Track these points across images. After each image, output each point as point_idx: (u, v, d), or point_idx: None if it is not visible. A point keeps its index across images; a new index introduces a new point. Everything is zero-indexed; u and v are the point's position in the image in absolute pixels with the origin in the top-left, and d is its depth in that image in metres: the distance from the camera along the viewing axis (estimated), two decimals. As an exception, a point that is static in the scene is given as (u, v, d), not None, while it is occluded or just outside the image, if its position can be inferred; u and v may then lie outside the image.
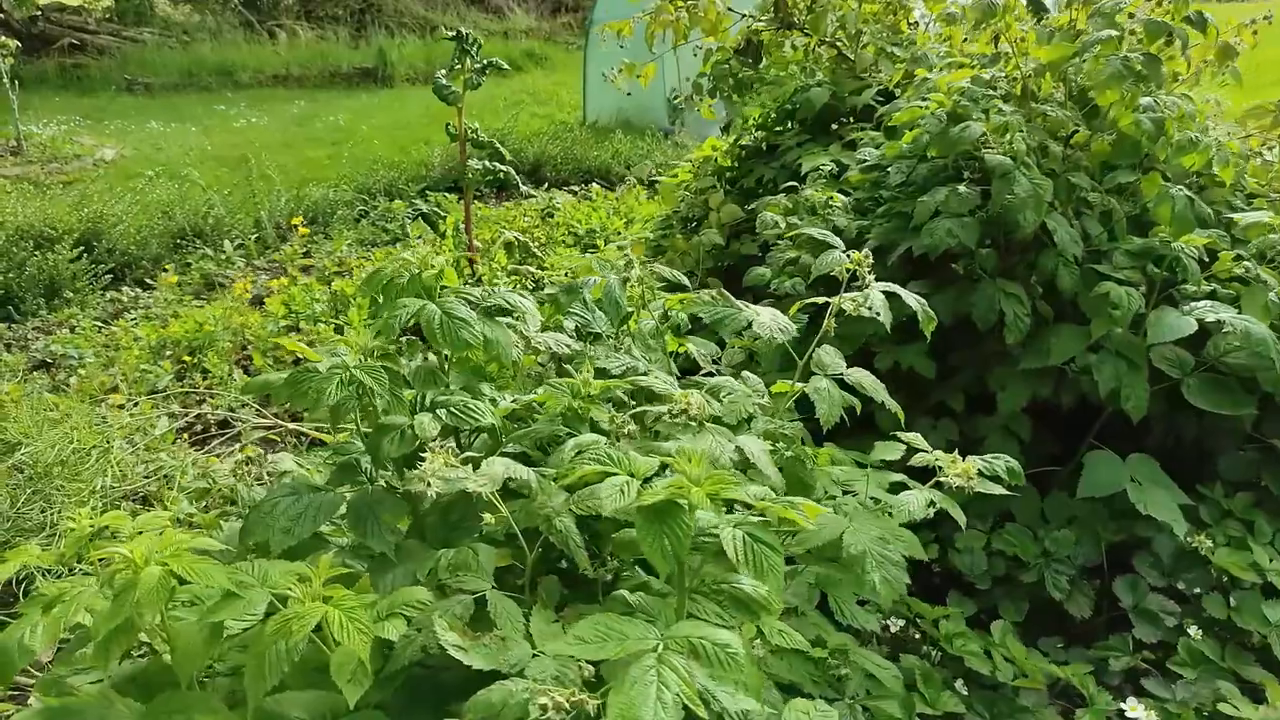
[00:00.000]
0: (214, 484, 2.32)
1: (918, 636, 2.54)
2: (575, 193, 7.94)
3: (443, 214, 4.64)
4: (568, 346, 2.21)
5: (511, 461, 1.52)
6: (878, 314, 1.77)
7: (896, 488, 1.78)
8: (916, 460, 1.68)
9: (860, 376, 1.82)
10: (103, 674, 1.75)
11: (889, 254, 2.72)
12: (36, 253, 5.66)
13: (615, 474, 1.25)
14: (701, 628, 1.18)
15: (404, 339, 2.28)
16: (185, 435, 3.70)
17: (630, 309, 2.20)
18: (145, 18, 18.00)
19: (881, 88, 3.69)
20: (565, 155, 8.87)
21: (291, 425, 3.66)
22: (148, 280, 5.96)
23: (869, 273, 1.83)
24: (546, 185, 8.21)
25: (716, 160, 4.44)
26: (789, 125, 4.27)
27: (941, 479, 1.60)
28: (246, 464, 2.34)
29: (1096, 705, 2.32)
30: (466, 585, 1.57)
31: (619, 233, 6.15)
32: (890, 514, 1.77)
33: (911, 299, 1.82)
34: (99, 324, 5.18)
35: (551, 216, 6.55)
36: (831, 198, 2.85)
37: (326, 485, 1.89)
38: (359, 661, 1.46)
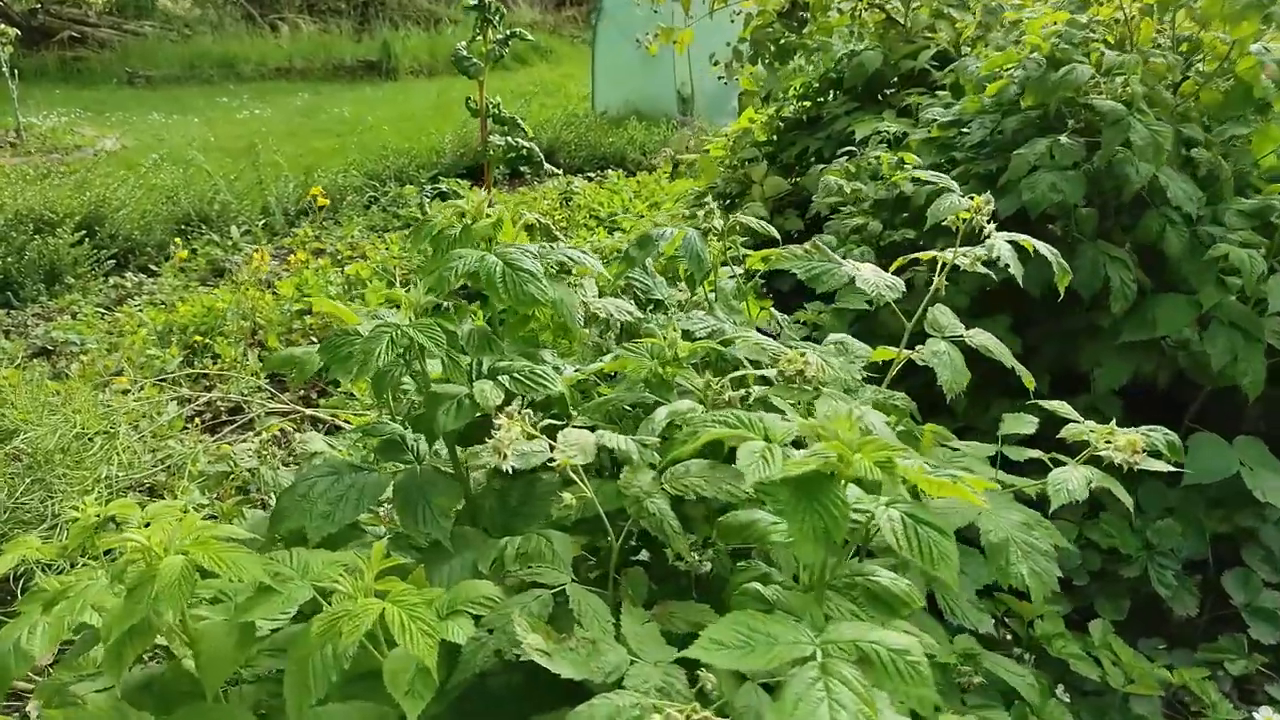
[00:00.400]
0: (235, 467, 2.09)
1: (1009, 637, 2.30)
2: (591, 179, 7.70)
3: (460, 195, 4.39)
4: (629, 314, 1.97)
5: (602, 430, 1.29)
6: (1006, 266, 1.54)
7: (1032, 466, 1.54)
8: (1066, 433, 1.45)
9: (984, 339, 1.59)
10: (113, 681, 1.51)
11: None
12: (36, 237, 5.42)
13: (751, 439, 1.02)
14: (870, 629, 0.95)
15: (448, 304, 2.05)
16: (195, 422, 3.46)
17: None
18: (146, 11, 17.78)
19: (939, 49, 3.45)
20: (580, 141, 8.65)
21: (309, 411, 3.43)
22: (152, 266, 5.72)
23: (988, 221, 1.60)
24: (562, 171, 7.98)
25: (754, 134, 4.20)
26: (832, 95, 4.03)
27: (1098, 454, 1.36)
28: (270, 444, 2.12)
29: (1218, 714, 2.08)
30: (542, 578, 1.34)
31: (641, 216, 5.90)
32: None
33: (1044, 248, 1.58)
34: (101, 310, 4.94)
35: (570, 200, 6.31)
36: (904, 158, 2.62)
37: (368, 465, 1.65)
38: (420, 668, 1.22)
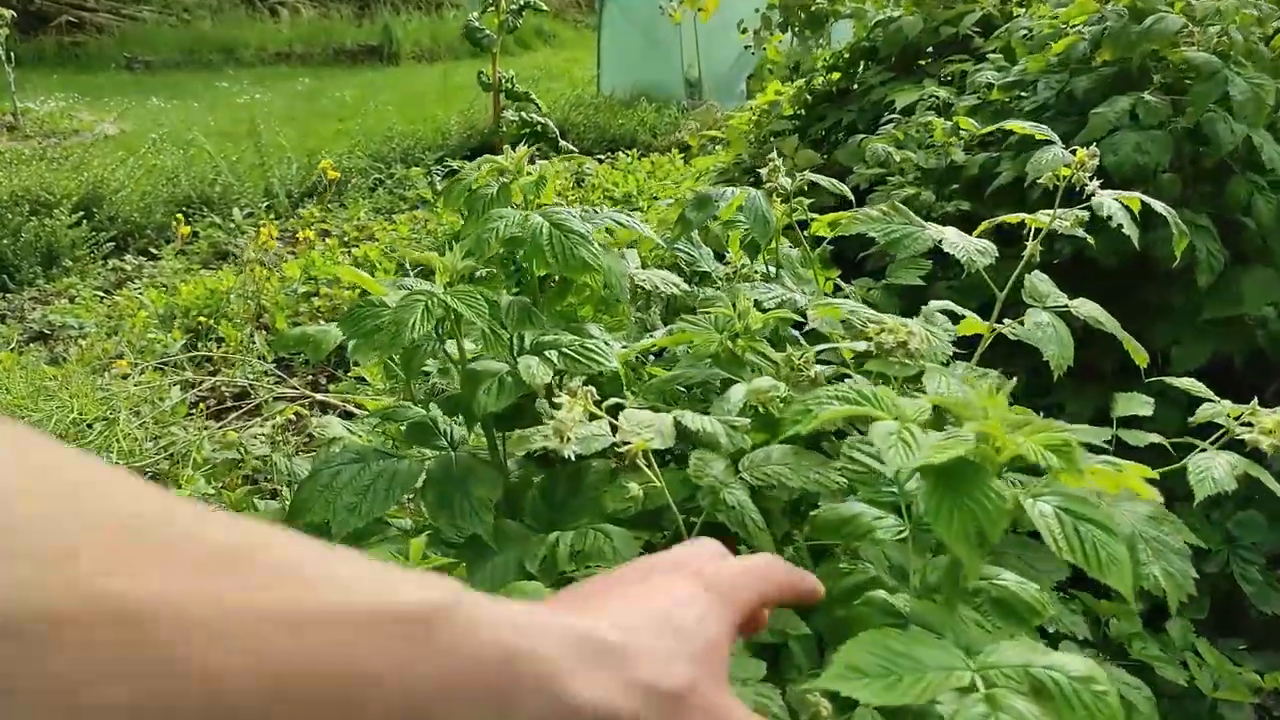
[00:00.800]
0: (245, 454, 1.92)
1: (1081, 639, 2.13)
2: (601, 160, 7.52)
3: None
4: (677, 286, 1.80)
5: (679, 410, 1.11)
6: (1120, 225, 1.36)
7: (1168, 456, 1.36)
8: (1200, 414, 1.27)
9: (1091, 309, 1.41)
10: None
11: (1032, 191, 2.30)
12: (32, 218, 5.24)
13: (881, 418, 0.84)
14: (1039, 651, 0.77)
15: (484, 272, 1.87)
16: (200, 407, 3.29)
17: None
18: (145, -5, 17.55)
19: (983, 13, 3.26)
20: (588, 123, 8.46)
21: (319, 396, 3.25)
22: (152, 249, 5.54)
23: (1090, 178, 1.42)
24: (576, 151, 7.79)
25: (781, 106, 4.01)
26: (864, 65, 3.84)
27: (1243, 437, 1.19)
28: (282, 430, 1.95)
29: (1318, 723, 1.92)
30: (603, 581, 1.16)
31: (655, 198, 5.71)
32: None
33: (1159, 206, 1.40)
34: (100, 294, 4.77)
35: (583, 181, 6.13)
36: (959, 123, 2.44)
37: (395, 452, 1.48)
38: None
